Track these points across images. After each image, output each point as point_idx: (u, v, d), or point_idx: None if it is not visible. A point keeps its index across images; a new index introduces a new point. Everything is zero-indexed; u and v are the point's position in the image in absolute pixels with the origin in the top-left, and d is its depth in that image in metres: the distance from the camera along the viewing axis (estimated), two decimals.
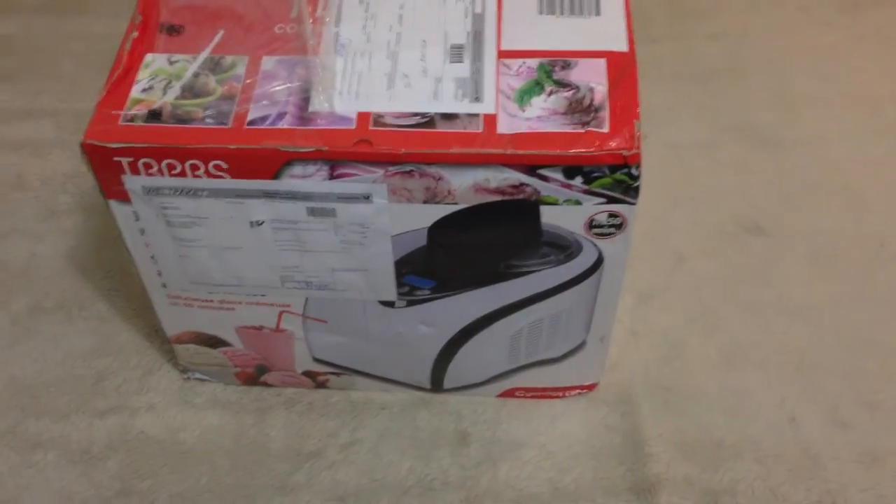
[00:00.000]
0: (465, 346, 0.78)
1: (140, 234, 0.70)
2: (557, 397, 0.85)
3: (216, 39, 0.70)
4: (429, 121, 0.64)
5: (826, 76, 1.12)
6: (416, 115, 0.64)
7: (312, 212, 0.67)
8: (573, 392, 0.85)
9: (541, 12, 0.71)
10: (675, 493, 0.78)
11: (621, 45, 0.68)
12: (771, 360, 0.87)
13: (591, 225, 0.67)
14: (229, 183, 0.65)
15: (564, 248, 0.69)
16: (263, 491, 0.79)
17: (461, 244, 0.69)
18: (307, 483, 0.79)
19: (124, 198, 0.67)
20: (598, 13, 0.71)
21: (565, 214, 0.66)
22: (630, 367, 0.87)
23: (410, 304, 0.74)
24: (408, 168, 0.64)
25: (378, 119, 0.64)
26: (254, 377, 0.85)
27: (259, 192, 0.66)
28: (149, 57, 0.68)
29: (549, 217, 0.67)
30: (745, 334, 0.90)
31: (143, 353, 0.88)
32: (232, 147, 0.63)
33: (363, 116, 0.64)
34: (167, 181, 0.65)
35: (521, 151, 0.62)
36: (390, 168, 0.64)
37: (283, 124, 0.64)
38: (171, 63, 0.68)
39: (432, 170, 0.64)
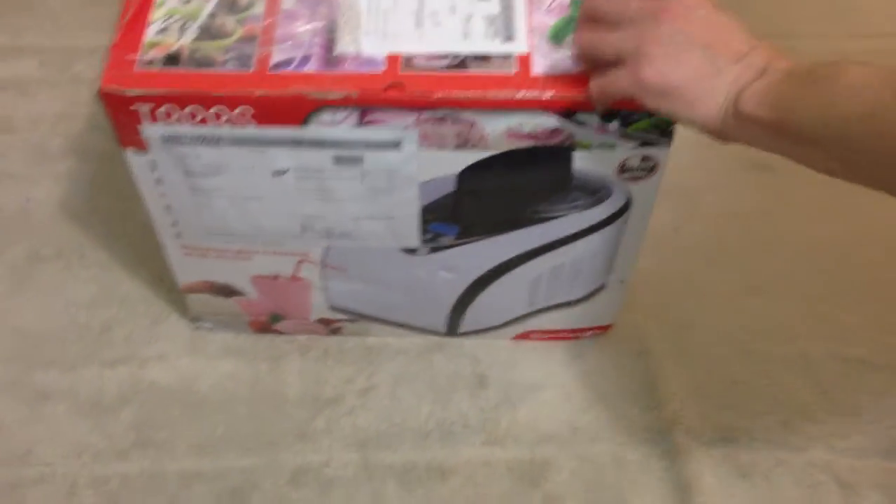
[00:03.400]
0: (485, 292, 0.77)
1: (156, 183, 0.67)
2: (573, 338, 0.85)
3: None
4: (461, 62, 0.62)
5: None
6: (447, 55, 0.62)
7: (339, 160, 0.65)
8: (588, 333, 0.85)
9: None
10: (692, 431, 0.79)
11: None
12: (785, 296, 0.88)
13: (623, 168, 0.66)
14: (254, 131, 0.63)
15: (592, 191, 0.68)
16: (284, 438, 0.78)
17: (491, 191, 0.68)
18: (327, 429, 0.79)
19: (141, 146, 0.64)
20: None
21: (597, 159, 0.65)
22: (644, 306, 0.87)
23: (433, 250, 0.73)
24: (441, 114, 0.62)
25: (408, 61, 0.62)
26: (266, 325, 0.84)
27: (285, 139, 0.63)
28: None
29: (581, 162, 0.65)
30: (759, 271, 0.90)
31: (149, 301, 0.86)
32: (258, 93, 0.60)
33: (392, 58, 0.62)
34: (188, 129, 0.62)
35: (558, 96, 0.61)
36: (423, 114, 0.62)
37: (310, 68, 0.61)
38: (185, 2, 0.64)
39: (466, 115, 0.62)
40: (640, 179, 0.67)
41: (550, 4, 0.65)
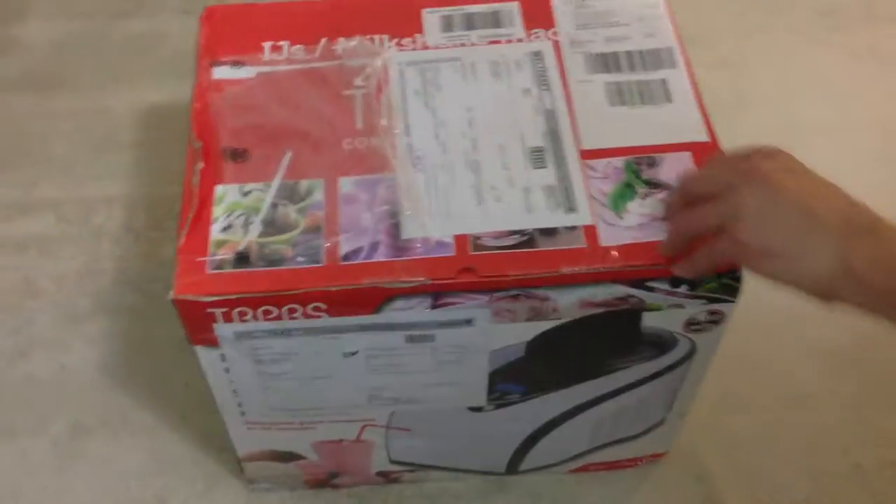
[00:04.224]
0: (548, 436, 0.77)
1: (225, 372, 0.67)
2: (629, 467, 0.85)
3: (285, 162, 0.66)
4: (528, 239, 0.62)
5: (830, 100, 1.13)
6: (514, 233, 0.63)
7: (411, 339, 0.65)
8: (645, 461, 0.85)
9: (612, 104, 0.70)
10: None
11: (701, 135, 0.68)
12: (827, 404, 0.89)
13: (690, 323, 0.67)
14: (327, 321, 0.62)
15: (658, 343, 0.69)
16: None
17: (560, 353, 0.68)
18: None
19: (212, 343, 0.63)
20: (669, 100, 0.70)
21: (665, 317, 0.66)
22: (694, 425, 0.87)
23: (499, 407, 0.73)
24: (514, 293, 0.62)
25: (476, 241, 0.62)
26: (324, 481, 0.83)
27: (357, 326, 0.63)
28: (219, 189, 0.65)
29: (650, 320, 0.66)
30: (797, 380, 0.91)
31: (200, 464, 0.85)
32: (333, 289, 0.60)
33: (460, 240, 0.62)
34: (261, 325, 0.62)
35: (631, 267, 0.61)
36: (496, 294, 0.62)
37: (379, 256, 0.61)
38: (245, 194, 0.64)
39: (539, 292, 0.62)
40: (706, 331, 0.68)
41: (604, 170, 0.66)
